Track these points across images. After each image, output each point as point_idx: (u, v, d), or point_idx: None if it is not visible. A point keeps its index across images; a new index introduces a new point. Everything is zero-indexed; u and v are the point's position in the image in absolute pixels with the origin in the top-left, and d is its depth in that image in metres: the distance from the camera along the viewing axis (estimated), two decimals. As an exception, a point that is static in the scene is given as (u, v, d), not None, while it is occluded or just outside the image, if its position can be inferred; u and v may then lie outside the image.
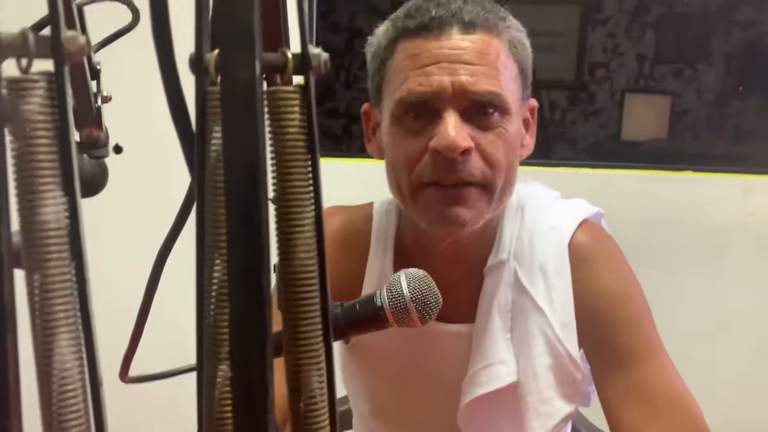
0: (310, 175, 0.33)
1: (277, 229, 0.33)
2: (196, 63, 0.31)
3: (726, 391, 1.52)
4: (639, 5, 1.86)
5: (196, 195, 0.33)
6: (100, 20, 0.62)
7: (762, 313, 1.57)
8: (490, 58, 0.75)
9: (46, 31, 0.39)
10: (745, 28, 1.82)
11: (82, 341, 0.30)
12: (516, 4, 0.84)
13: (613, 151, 1.90)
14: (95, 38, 0.61)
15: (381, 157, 0.84)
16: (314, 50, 0.32)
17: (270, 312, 0.30)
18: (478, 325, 0.84)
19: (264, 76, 0.31)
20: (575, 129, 1.91)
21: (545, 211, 0.87)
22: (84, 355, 0.30)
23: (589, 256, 0.84)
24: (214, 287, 0.33)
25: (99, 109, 0.59)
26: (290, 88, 0.31)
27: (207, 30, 0.32)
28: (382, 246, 0.89)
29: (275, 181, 0.33)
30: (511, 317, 0.83)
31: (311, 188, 0.33)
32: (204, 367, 0.33)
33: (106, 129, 0.64)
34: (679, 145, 1.85)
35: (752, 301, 1.56)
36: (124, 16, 0.60)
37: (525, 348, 0.82)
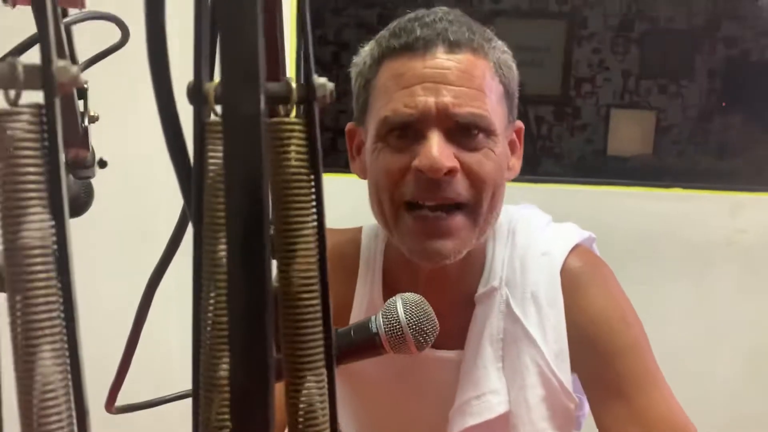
0: (314, 207, 0.31)
1: (279, 259, 0.31)
2: (195, 93, 0.30)
3: (716, 406, 1.52)
4: (623, 21, 1.87)
5: (194, 229, 0.31)
6: (85, 36, 0.60)
7: (750, 331, 1.58)
8: (475, 79, 0.74)
9: (35, 51, 0.37)
10: (728, 44, 1.84)
11: (68, 370, 0.28)
12: (502, 19, 0.83)
13: (599, 166, 1.90)
14: (81, 56, 0.59)
15: (364, 177, 0.83)
16: (319, 80, 0.30)
17: (272, 351, 0.29)
18: (468, 353, 0.83)
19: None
20: (561, 144, 1.92)
21: (536, 235, 0.86)
22: (70, 384, 0.28)
23: (581, 282, 0.82)
24: (209, 323, 0.31)
25: (86, 130, 0.57)
26: (294, 120, 0.30)
27: (206, 58, 0.31)
28: (370, 272, 0.87)
29: (277, 213, 0.31)
30: (502, 346, 0.82)
31: (315, 220, 0.31)
32: (201, 412, 0.31)
33: (93, 149, 0.62)
34: (665, 160, 1.86)
35: (740, 319, 1.56)
36: (110, 32, 0.58)
37: (517, 378, 0.81)
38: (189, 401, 0.62)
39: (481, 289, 0.83)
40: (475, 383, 0.81)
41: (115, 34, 0.58)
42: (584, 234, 0.88)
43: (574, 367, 0.82)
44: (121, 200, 1.37)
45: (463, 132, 0.74)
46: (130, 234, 1.49)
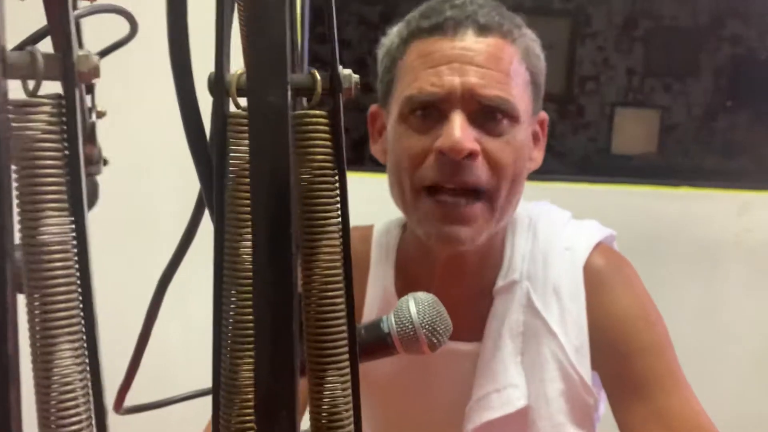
0: (338, 201, 0.31)
1: (303, 255, 0.31)
2: (217, 84, 0.29)
3: (724, 405, 1.51)
4: (628, 19, 1.87)
5: (215, 226, 0.30)
6: (92, 30, 0.59)
7: (758, 329, 1.57)
8: (502, 63, 0.74)
9: (47, 42, 0.36)
10: (732, 42, 1.83)
11: (87, 368, 0.28)
12: None
13: (603, 165, 1.89)
14: (90, 49, 0.58)
15: (384, 160, 0.82)
16: (344, 71, 0.30)
17: (297, 342, 0.28)
18: (486, 347, 0.82)
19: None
20: (565, 142, 1.91)
21: (559, 230, 0.85)
22: (89, 384, 0.28)
23: (605, 280, 0.82)
24: (231, 322, 0.30)
25: (93, 125, 0.56)
26: (319, 113, 0.29)
27: (227, 49, 0.30)
28: (382, 267, 0.86)
29: (301, 207, 0.30)
30: (522, 340, 0.81)
31: (339, 215, 0.31)
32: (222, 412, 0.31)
33: (99, 145, 0.61)
34: (670, 159, 1.85)
35: (748, 319, 1.55)
36: (113, 26, 0.57)
37: (537, 372, 0.80)
38: (193, 402, 0.61)
39: (500, 282, 0.83)
40: (494, 377, 0.81)
41: (117, 28, 0.57)
42: (606, 231, 0.88)
43: (596, 365, 0.81)
44: (123, 197, 1.36)
45: (487, 115, 0.74)
46: (133, 231, 1.48)
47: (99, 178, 0.70)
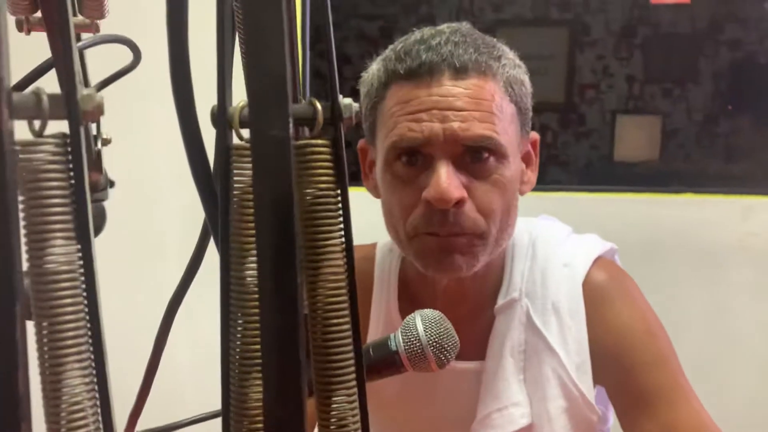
0: (341, 228, 0.31)
1: (308, 275, 0.31)
2: (219, 116, 0.29)
3: (730, 412, 1.50)
4: (626, 27, 1.87)
5: (221, 254, 0.31)
6: (97, 56, 0.60)
7: (764, 335, 1.56)
8: (483, 103, 0.73)
9: (48, 77, 0.37)
10: (732, 47, 1.83)
11: (96, 393, 0.28)
12: (504, 29, 0.82)
13: (606, 172, 1.89)
14: (93, 78, 0.59)
15: (377, 196, 0.83)
16: (345, 101, 0.30)
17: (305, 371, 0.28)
18: (489, 366, 0.82)
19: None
20: (567, 151, 1.91)
21: (557, 247, 0.85)
22: (98, 405, 0.28)
23: (605, 295, 0.82)
24: (237, 350, 0.31)
25: (99, 153, 0.57)
26: (321, 142, 0.30)
27: (229, 81, 0.30)
28: (385, 287, 0.87)
29: (305, 234, 0.31)
30: (523, 358, 0.81)
31: (342, 242, 0.31)
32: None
33: (106, 172, 0.62)
34: (672, 165, 1.85)
35: (754, 324, 1.55)
36: (117, 53, 0.58)
37: (539, 390, 0.80)
38: (202, 425, 0.61)
39: (500, 301, 0.83)
40: (498, 396, 0.81)
41: (122, 55, 0.58)
42: (606, 245, 0.88)
43: (601, 380, 0.81)
44: (130, 220, 1.37)
45: (473, 156, 0.73)
46: (139, 254, 1.49)
47: (106, 203, 0.71)
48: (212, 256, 0.43)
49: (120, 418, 0.54)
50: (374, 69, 0.80)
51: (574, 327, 0.81)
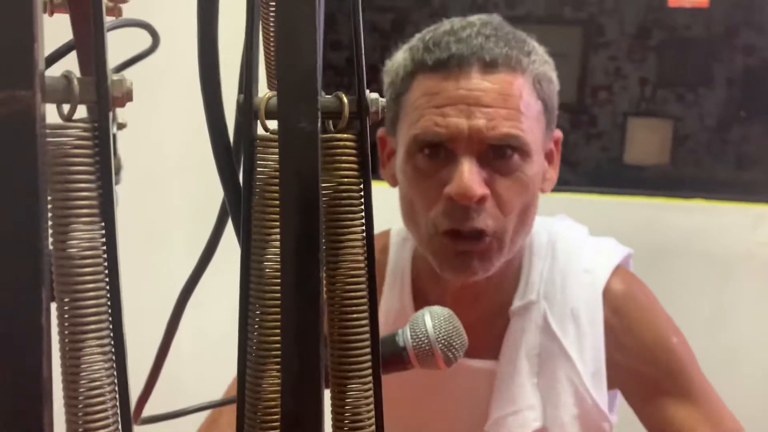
0: (363, 222, 0.31)
1: (328, 270, 0.31)
2: (246, 107, 0.29)
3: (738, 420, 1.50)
4: (641, 29, 1.86)
5: (242, 245, 0.30)
6: (112, 41, 0.60)
7: (770, 345, 1.55)
8: (511, 99, 0.71)
9: (68, 59, 0.37)
10: (746, 52, 1.82)
11: (115, 373, 0.28)
12: (517, 26, 0.81)
13: (616, 175, 1.89)
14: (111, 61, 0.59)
15: (394, 184, 0.82)
16: (371, 95, 0.30)
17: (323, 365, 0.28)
18: (503, 367, 0.82)
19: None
20: (577, 153, 1.91)
21: (578, 251, 0.84)
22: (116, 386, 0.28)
23: (625, 306, 0.82)
24: (254, 341, 0.31)
25: (114, 137, 0.56)
26: (346, 136, 0.29)
27: (255, 72, 0.30)
28: (399, 281, 0.86)
29: (327, 227, 0.31)
30: (538, 362, 0.81)
31: (364, 236, 0.31)
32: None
33: (119, 156, 0.61)
34: (683, 170, 1.85)
35: (762, 334, 1.54)
36: (133, 38, 0.58)
37: (552, 395, 0.80)
38: (206, 413, 0.61)
39: (517, 302, 0.82)
40: (512, 399, 0.80)
41: (135, 40, 0.57)
42: (624, 251, 0.87)
43: (618, 386, 0.82)
44: (137, 206, 1.37)
45: (497, 154, 0.72)
46: (148, 239, 1.49)
47: (117, 187, 0.71)
48: (221, 244, 0.43)
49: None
50: (400, 58, 0.78)
51: (592, 334, 0.80)
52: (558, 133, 0.82)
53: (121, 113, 0.62)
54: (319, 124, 0.25)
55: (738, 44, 1.82)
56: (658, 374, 0.80)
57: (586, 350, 0.80)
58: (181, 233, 1.39)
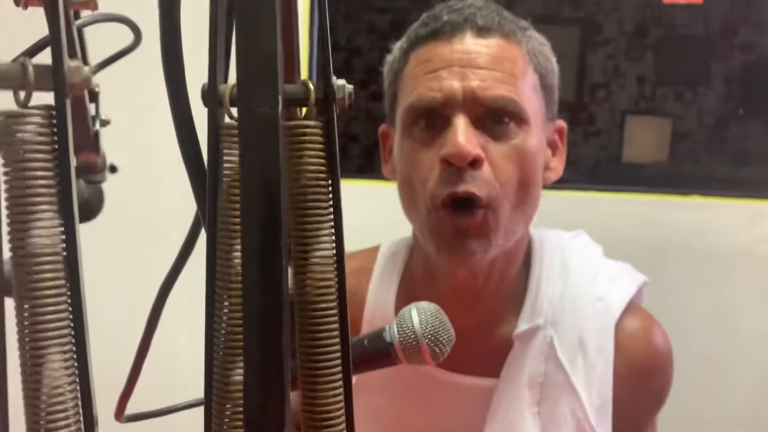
0: (331, 212, 0.30)
1: (294, 265, 0.30)
2: (210, 95, 0.29)
3: (733, 419, 1.49)
4: (639, 27, 1.86)
5: (207, 236, 0.30)
6: (97, 40, 0.60)
7: (768, 342, 1.55)
8: (505, 63, 0.71)
9: (45, 54, 0.36)
10: (744, 50, 1.82)
11: (77, 377, 0.27)
12: None
13: (614, 173, 1.88)
14: (94, 58, 0.59)
15: (395, 179, 0.81)
16: (338, 81, 0.29)
17: (288, 356, 0.28)
18: (503, 392, 0.78)
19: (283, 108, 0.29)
20: (575, 150, 1.90)
21: (592, 276, 0.81)
22: (78, 390, 0.27)
23: (637, 345, 0.79)
24: (223, 332, 0.30)
25: (97, 134, 0.56)
26: (311, 123, 0.29)
27: (221, 59, 0.30)
28: (386, 279, 0.84)
29: (294, 218, 0.30)
30: (540, 390, 0.77)
31: (332, 226, 0.30)
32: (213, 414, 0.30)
33: (104, 153, 0.61)
34: (681, 167, 1.84)
35: (759, 331, 1.53)
36: (122, 35, 0.58)
37: (553, 427, 0.77)
38: (199, 410, 0.61)
39: (523, 325, 0.79)
40: (509, 426, 0.77)
41: (126, 37, 0.57)
42: (640, 279, 0.84)
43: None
44: (131, 205, 1.37)
45: (493, 119, 0.71)
46: (140, 239, 1.49)
47: (106, 185, 0.70)
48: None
49: (112, 402, 0.54)
50: (397, 44, 0.79)
51: (600, 367, 0.77)
52: (561, 123, 0.80)
53: (112, 111, 0.61)
54: (280, 109, 0.25)
55: (736, 42, 1.81)
56: (646, 420, 0.81)
57: (593, 383, 0.76)
58: (175, 230, 1.38)
